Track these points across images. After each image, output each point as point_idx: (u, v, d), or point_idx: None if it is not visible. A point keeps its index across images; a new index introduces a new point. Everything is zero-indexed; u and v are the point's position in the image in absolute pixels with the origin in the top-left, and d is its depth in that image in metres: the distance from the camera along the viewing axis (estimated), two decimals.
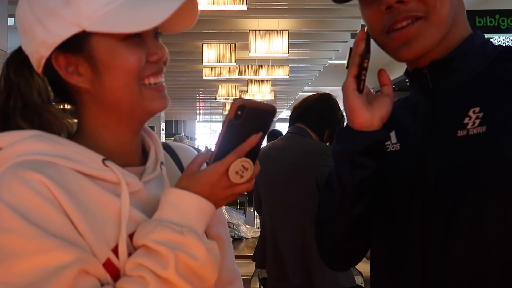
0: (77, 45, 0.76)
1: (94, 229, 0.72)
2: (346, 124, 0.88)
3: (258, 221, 3.56)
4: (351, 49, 0.88)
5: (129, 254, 0.73)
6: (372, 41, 0.88)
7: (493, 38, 6.29)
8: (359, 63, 0.86)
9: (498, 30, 5.86)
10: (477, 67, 0.85)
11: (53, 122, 0.81)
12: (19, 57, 0.81)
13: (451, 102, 0.86)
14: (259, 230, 2.57)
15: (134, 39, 0.77)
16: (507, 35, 6.20)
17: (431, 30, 0.82)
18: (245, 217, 3.91)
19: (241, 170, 0.75)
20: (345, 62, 0.92)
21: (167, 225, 0.72)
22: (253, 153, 0.76)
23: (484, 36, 0.90)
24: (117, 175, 0.76)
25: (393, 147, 0.92)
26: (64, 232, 0.68)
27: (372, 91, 0.92)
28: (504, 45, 6.47)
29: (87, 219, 0.72)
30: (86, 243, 0.71)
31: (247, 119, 0.75)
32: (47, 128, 0.79)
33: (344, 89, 0.87)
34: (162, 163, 0.87)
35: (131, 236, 0.74)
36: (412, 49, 0.83)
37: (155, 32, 0.82)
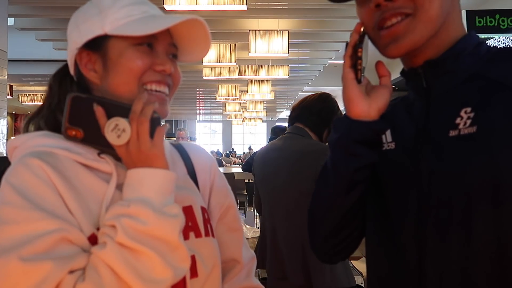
0: (98, 45, 0.90)
1: (83, 208, 0.82)
2: (344, 114, 0.90)
3: (258, 221, 3.56)
4: (347, 43, 0.90)
5: None
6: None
7: (493, 38, 6.29)
8: (351, 54, 0.88)
9: (498, 30, 5.86)
10: (471, 68, 0.86)
11: None
12: (63, 70, 0.97)
13: (444, 102, 0.87)
14: (259, 230, 2.57)
15: (145, 47, 0.90)
16: (507, 35, 6.20)
17: (419, 27, 0.83)
18: (245, 217, 3.92)
19: (117, 130, 0.83)
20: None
21: (118, 203, 0.81)
22: (111, 109, 0.85)
23: (478, 37, 0.90)
24: (110, 165, 0.87)
25: (388, 146, 0.94)
26: (55, 207, 0.80)
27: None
28: (504, 45, 6.47)
29: (78, 199, 0.82)
30: (75, 219, 0.81)
31: (81, 123, 0.86)
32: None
33: (342, 79, 0.89)
34: None
35: None
36: (399, 46, 0.85)
37: (171, 54, 0.94)
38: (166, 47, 0.93)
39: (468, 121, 0.81)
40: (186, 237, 0.92)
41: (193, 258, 0.91)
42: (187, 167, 1.05)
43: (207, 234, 0.96)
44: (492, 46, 0.90)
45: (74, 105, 0.85)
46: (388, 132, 0.94)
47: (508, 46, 5.94)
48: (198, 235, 0.95)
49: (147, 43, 0.90)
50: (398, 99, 1.00)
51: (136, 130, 0.83)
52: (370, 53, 0.95)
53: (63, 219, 0.79)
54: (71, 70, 0.95)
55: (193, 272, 0.91)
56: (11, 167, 0.84)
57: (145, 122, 0.83)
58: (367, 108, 0.86)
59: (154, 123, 0.84)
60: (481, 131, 0.79)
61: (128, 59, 0.88)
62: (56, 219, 0.78)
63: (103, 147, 0.86)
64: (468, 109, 0.82)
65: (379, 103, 0.87)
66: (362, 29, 0.89)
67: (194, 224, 0.95)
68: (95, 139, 0.86)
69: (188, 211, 0.95)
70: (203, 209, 0.99)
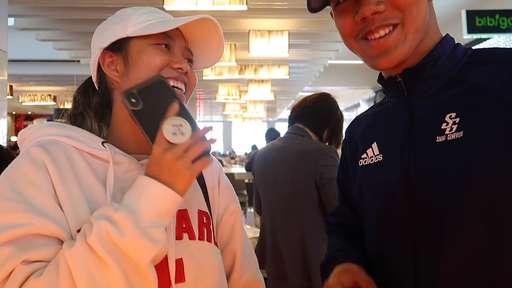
0: (120, 46, 0.97)
1: (75, 201, 0.84)
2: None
3: (258, 220, 3.55)
4: None
5: None
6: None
7: (493, 38, 6.29)
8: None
9: (498, 30, 5.85)
10: (449, 72, 0.86)
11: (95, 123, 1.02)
12: (87, 83, 1.06)
13: (427, 108, 0.86)
14: (259, 230, 2.57)
15: (162, 47, 0.96)
16: (507, 35, 6.20)
17: (408, 38, 0.83)
18: (245, 217, 3.91)
19: (177, 129, 0.82)
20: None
21: (111, 205, 0.80)
22: (183, 113, 0.85)
23: (454, 39, 0.90)
24: (108, 154, 0.91)
25: (376, 159, 0.93)
26: (43, 197, 0.82)
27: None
28: (504, 45, 6.46)
29: (71, 191, 0.85)
30: (63, 211, 0.83)
31: (145, 99, 0.87)
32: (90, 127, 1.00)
33: None
34: None
35: None
36: (390, 59, 0.84)
37: (186, 58, 1.00)
38: (182, 50, 0.99)
39: (454, 127, 0.80)
40: (179, 237, 0.91)
41: (180, 262, 0.89)
42: None
43: (201, 238, 0.94)
44: (468, 47, 0.90)
45: (154, 85, 0.88)
46: (375, 145, 0.94)
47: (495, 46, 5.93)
48: (192, 237, 0.93)
49: (165, 43, 0.96)
50: (374, 107, 1.00)
51: (190, 145, 0.82)
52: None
53: (47, 211, 0.81)
54: (94, 76, 1.02)
55: (180, 277, 0.88)
56: (16, 158, 0.88)
57: (201, 148, 0.82)
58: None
59: (205, 152, 0.83)
60: (467, 136, 0.79)
61: (147, 55, 0.94)
62: (29, 213, 0.80)
63: (142, 131, 0.85)
64: (453, 114, 0.82)
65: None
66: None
67: (188, 227, 0.94)
68: (143, 120, 0.86)
69: (182, 214, 0.94)
70: (200, 212, 0.98)
